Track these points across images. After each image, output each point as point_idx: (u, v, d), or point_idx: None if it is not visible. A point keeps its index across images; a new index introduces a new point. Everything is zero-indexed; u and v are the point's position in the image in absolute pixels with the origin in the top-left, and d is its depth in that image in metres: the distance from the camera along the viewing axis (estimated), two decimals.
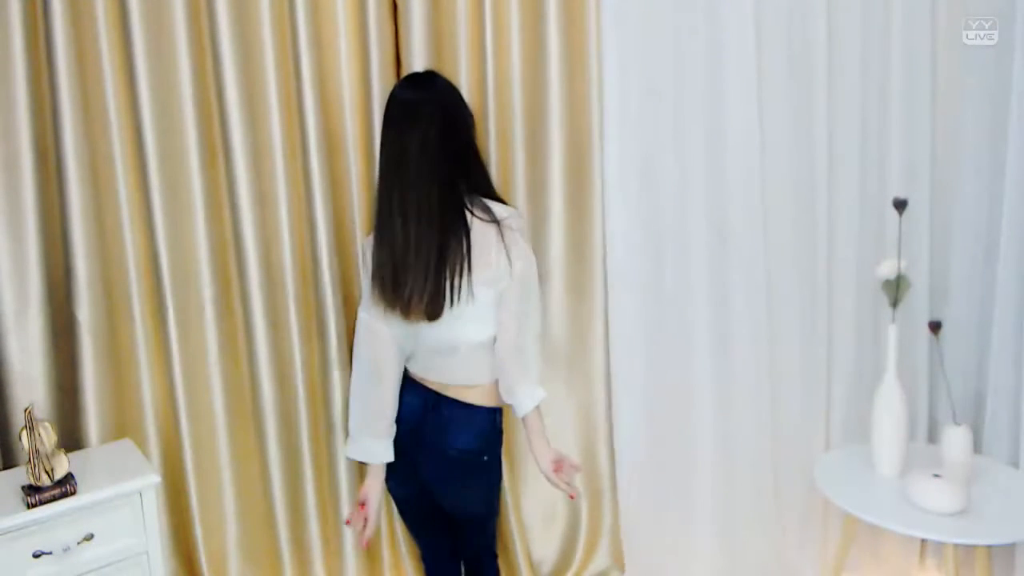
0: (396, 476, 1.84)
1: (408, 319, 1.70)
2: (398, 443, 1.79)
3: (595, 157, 2.27)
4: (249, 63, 1.97)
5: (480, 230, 1.67)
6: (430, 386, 1.77)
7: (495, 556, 2.00)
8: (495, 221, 1.68)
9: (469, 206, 1.68)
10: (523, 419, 1.76)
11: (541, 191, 2.31)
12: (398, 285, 1.66)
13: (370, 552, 2.34)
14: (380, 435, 1.77)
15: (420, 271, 1.64)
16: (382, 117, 1.72)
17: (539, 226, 2.33)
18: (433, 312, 1.66)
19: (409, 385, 1.80)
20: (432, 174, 1.65)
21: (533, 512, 2.46)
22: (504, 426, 1.82)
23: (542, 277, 2.30)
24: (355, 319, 1.83)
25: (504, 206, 1.72)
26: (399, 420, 1.79)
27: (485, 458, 1.77)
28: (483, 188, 1.75)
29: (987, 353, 2.28)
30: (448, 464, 1.75)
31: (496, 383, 1.76)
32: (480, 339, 1.72)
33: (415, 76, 1.80)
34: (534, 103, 2.25)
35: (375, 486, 1.81)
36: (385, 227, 1.67)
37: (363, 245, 1.82)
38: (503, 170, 2.24)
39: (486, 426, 1.77)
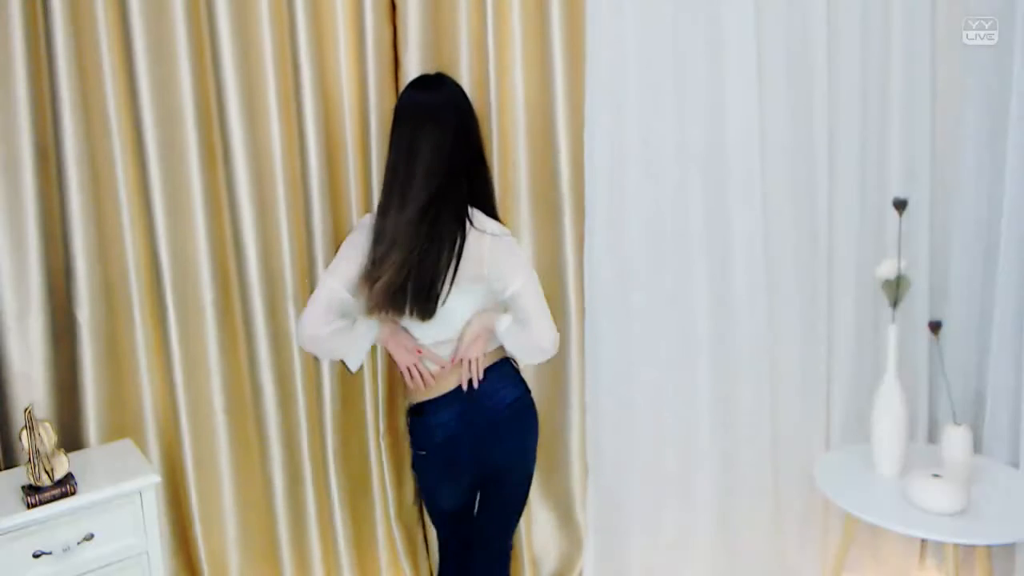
0: (448, 487, 1.86)
1: (399, 316, 1.70)
2: (444, 449, 1.80)
3: (594, 158, 2.27)
4: (249, 64, 1.97)
5: (475, 239, 1.67)
6: (454, 387, 1.78)
7: (509, 561, 2.01)
8: (488, 234, 1.69)
9: (469, 214, 1.69)
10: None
11: (545, 192, 2.31)
12: (391, 287, 1.66)
13: (367, 552, 2.34)
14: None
15: (416, 274, 1.65)
16: (394, 115, 1.73)
17: (545, 227, 2.33)
18: (423, 312, 1.67)
19: (429, 406, 1.79)
20: (440, 176, 1.65)
21: (537, 512, 2.46)
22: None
23: (553, 278, 2.32)
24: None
25: (497, 224, 1.74)
26: (439, 438, 1.80)
27: (530, 395, 1.86)
28: (484, 197, 1.76)
29: (987, 353, 2.28)
30: (506, 421, 1.80)
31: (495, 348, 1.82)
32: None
33: (427, 78, 1.80)
34: (536, 104, 2.25)
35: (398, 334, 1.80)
36: (386, 223, 1.68)
37: (359, 224, 1.82)
38: (504, 172, 2.24)
39: (513, 371, 1.85)
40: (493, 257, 1.68)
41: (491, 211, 1.77)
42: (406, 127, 1.69)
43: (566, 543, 2.50)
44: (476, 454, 1.80)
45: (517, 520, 1.97)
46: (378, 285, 1.67)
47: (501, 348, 1.83)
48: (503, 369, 1.82)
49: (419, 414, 1.81)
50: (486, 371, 1.78)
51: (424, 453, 1.84)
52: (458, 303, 1.71)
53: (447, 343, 1.76)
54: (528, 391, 1.86)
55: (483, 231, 1.69)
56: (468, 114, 1.74)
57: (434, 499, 1.93)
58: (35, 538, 1.62)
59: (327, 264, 2.12)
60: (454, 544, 2.00)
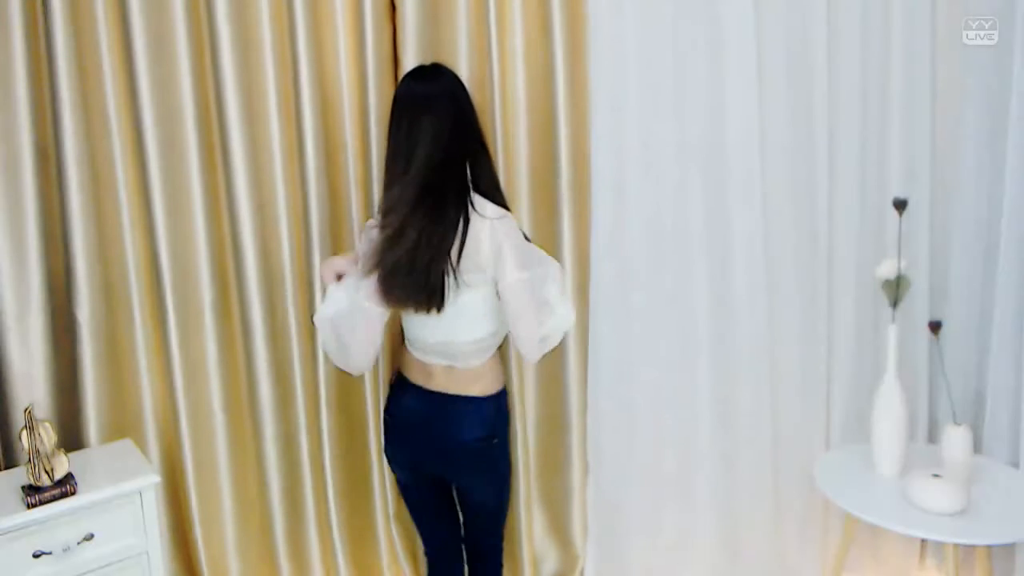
0: (400, 461, 1.87)
1: (406, 310, 1.70)
2: (402, 431, 1.81)
3: (595, 158, 2.27)
4: (249, 64, 1.98)
5: (476, 224, 1.67)
6: (434, 389, 1.77)
7: (501, 559, 2.01)
8: (487, 218, 1.67)
9: (471, 201, 1.69)
10: None
11: (546, 192, 2.31)
12: (399, 276, 1.65)
13: (367, 552, 2.34)
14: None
15: (422, 262, 1.63)
16: (392, 107, 1.72)
17: (545, 227, 2.33)
18: (433, 303, 1.66)
19: (411, 389, 1.80)
20: (441, 166, 1.65)
21: (537, 512, 2.46)
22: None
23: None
24: None
25: (495, 207, 1.71)
26: (401, 418, 1.80)
27: (495, 441, 1.81)
28: (487, 183, 1.75)
29: (987, 353, 2.28)
30: (461, 455, 1.78)
31: (497, 366, 1.81)
32: (473, 337, 1.73)
33: (424, 68, 1.79)
34: (536, 104, 2.25)
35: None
36: (390, 217, 1.66)
37: (361, 233, 1.82)
38: (507, 171, 2.24)
39: (492, 412, 1.80)
40: (492, 242, 1.66)
41: (498, 199, 1.76)
42: (404, 118, 1.68)
43: (566, 544, 2.50)
44: (425, 449, 1.80)
45: (496, 524, 1.95)
46: (387, 281, 1.66)
47: (499, 378, 1.81)
48: (483, 405, 1.77)
49: (400, 384, 1.83)
50: (467, 398, 1.76)
51: (387, 417, 1.87)
52: (470, 297, 1.70)
53: (458, 344, 1.74)
54: (492, 436, 1.79)
55: (483, 215, 1.67)
56: (466, 103, 1.72)
57: (395, 474, 1.93)
58: (35, 538, 1.62)
59: None
60: (431, 552, 2.01)
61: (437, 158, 1.65)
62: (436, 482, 1.88)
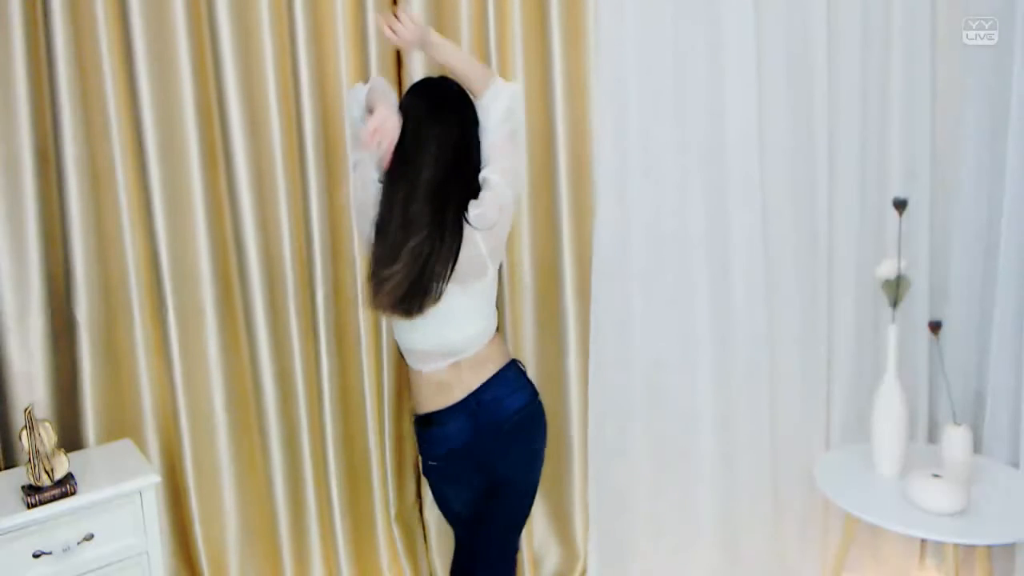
0: (455, 499, 1.85)
1: (384, 313, 1.71)
2: (454, 460, 1.79)
3: (596, 158, 2.27)
4: (249, 63, 1.98)
5: (468, 234, 1.67)
6: (456, 399, 1.76)
7: (515, 557, 2.00)
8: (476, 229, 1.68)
9: (467, 214, 1.68)
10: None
11: (545, 193, 2.31)
12: (385, 280, 1.65)
13: (368, 551, 2.34)
14: None
15: (408, 270, 1.63)
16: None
17: (545, 228, 2.33)
18: (406, 309, 1.67)
19: (436, 420, 1.78)
20: (444, 179, 1.65)
21: (538, 513, 2.46)
22: None
23: (553, 280, 2.34)
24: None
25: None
26: (446, 451, 1.79)
27: (539, 399, 1.83)
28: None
29: (987, 353, 2.28)
30: (514, 428, 1.77)
31: (500, 344, 1.80)
32: (464, 335, 1.74)
33: (431, 80, 1.80)
34: (537, 103, 2.25)
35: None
36: (386, 224, 1.67)
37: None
38: None
39: (519, 375, 1.81)
40: (480, 224, 1.66)
41: None
42: (408, 126, 1.68)
43: (566, 544, 2.50)
44: (485, 464, 1.79)
45: (524, 519, 1.94)
46: (385, 290, 1.66)
47: (504, 352, 1.82)
48: (507, 374, 1.78)
49: (427, 424, 1.80)
50: (491, 379, 1.76)
51: (434, 464, 1.83)
52: (458, 301, 1.69)
53: (451, 342, 1.73)
54: (535, 394, 1.83)
55: (470, 224, 1.67)
56: (471, 120, 1.72)
57: (447, 505, 1.91)
58: (35, 538, 1.62)
59: (327, 265, 2.13)
60: (467, 539, 1.98)
61: (439, 178, 1.64)
62: (486, 493, 1.85)
